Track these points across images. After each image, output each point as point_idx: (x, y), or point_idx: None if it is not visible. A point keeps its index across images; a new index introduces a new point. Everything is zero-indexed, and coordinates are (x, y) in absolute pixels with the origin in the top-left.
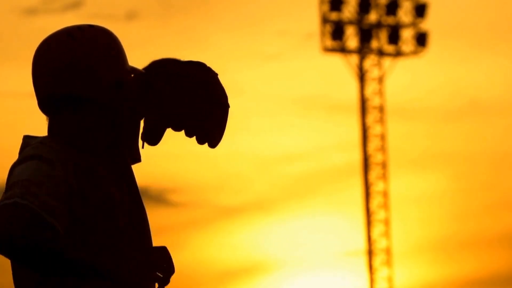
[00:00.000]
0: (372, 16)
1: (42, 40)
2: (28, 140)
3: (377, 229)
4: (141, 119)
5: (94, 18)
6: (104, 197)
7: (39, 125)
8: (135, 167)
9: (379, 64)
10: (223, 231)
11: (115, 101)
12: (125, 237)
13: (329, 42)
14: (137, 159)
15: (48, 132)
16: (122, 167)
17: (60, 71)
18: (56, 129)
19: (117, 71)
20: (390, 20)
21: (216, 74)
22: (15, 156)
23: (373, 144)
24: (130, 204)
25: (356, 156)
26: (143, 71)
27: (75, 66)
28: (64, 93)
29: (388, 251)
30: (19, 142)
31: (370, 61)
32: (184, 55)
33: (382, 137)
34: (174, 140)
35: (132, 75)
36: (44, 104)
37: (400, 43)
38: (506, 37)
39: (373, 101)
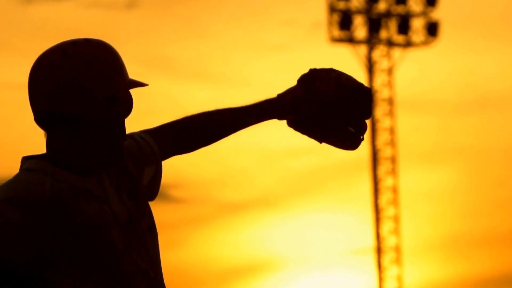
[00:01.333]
0: (381, 5)
1: (39, 55)
2: (21, 164)
3: (386, 226)
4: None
5: (93, 7)
6: (96, 218)
7: (32, 118)
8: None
9: (388, 55)
10: (226, 228)
11: (110, 116)
12: (121, 257)
13: (337, 32)
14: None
15: (46, 149)
16: (120, 178)
17: (54, 90)
18: (54, 146)
19: (113, 86)
20: (399, 9)
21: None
22: (9, 147)
23: (382, 138)
24: (131, 214)
25: (365, 150)
26: (145, 84)
27: (68, 84)
28: (59, 111)
29: (397, 249)
30: (15, 134)
31: (379, 52)
32: (185, 46)
33: (392, 130)
34: None
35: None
36: (40, 121)
37: (410, 33)
38: None
39: (382, 93)
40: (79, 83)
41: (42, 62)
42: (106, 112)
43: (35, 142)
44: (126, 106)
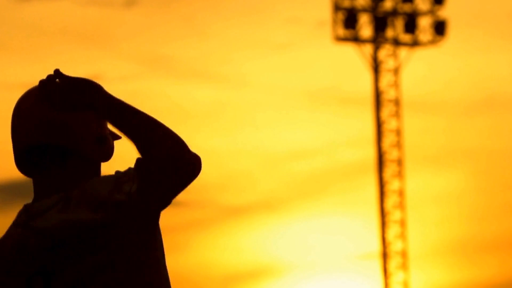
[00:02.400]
0: (387, 3)
1: (22, 95)
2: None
3: (392, 231)
4: None
5: (90, 5)
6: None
7: None
8: (133, 166)
9: (394, 55)
10: (227, 233)
11: (98, 154)
12: None
13: (342, 31)
14: None
15: (34, 194)
16: None
17: (42, 122)
18: (45, 186)
19: (98, 125)
20: (406, 7)
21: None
22: (4, 147)
23: (388, 140)
24: None
25: (370, 153)
26: (119, 137)
27: (55, 119)
28: (48, 143)
29: (404, 254)
30: (8, 132)
31: (385, 51)
32: (185, 45)
33: (398, 132)
34: None
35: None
36: (26, 160)
37: (417, 32)
38: None
39: (388, 93)
40: (63, 120)
41: (27, 99)
42: (94, 149)
43: None
44: (111, 149)
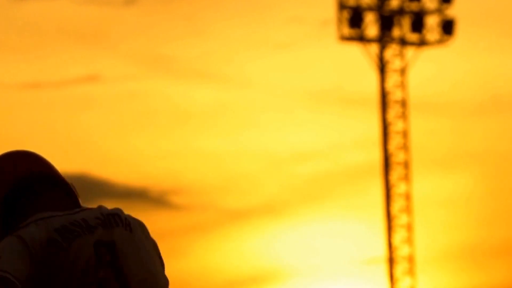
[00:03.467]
0: (394, 2)
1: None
2: None
3: (399, 235)
4: None
5: (89, 4)
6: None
7: (26, 117)
8: (131, 168)
9: (401, 54)
10: (229, 237)
11: None
12: None
13: (347, 30)
14: None
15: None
16: None
17: None
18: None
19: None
20: (413, 6)
21: None
22: (2, 144)
23: (394, 141)
24: None
25: (376, 155)
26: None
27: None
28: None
29: (410, 259)
30: (8, 132)
31: (391, 51)
32: (185, 44)
33: (404, 134)
34: (176, 137)
35: None
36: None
37: (424, 31)
38: None
39: (395, 94)
40: None
41: None
42: None
43: (29, 139)
44: None
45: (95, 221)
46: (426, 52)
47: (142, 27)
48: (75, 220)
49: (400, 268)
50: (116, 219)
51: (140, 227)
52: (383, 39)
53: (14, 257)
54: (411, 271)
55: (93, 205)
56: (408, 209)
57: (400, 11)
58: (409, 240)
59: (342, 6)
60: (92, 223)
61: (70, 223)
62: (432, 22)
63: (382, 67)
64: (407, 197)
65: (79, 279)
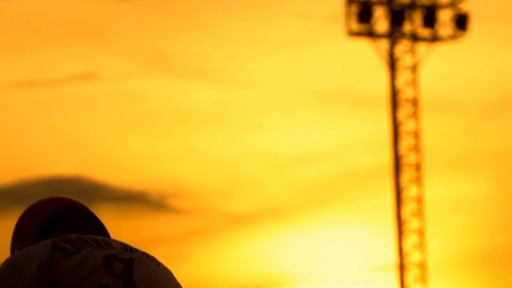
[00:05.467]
0: None
1: None
2: None
3: (410, 241)
4: None
5: None
6: None
7: (18, 117)
8: (129, 170)
9: (412, 51)
10: (231, 242)
11: None
12: None
13: (355, 25)
14: None
15: None
16: None
17: None
18: None
19: None
20: (425, 0)
21: None
22: None
23: (405, 142)
24: None
25: (386, 157)
26: None
27: None
28: None
29: (422, 266)
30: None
31: (402, 47)
32: (186, 41)
33: (416, 134)
34: (175, 138)
35: None
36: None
37: (436, 27)
38: None
39: (406, 93)
40: None
41: None
42: None
43: (21, 141)
44: None
45: (117, 243)
46: (439, 48)
47: (140, 22)
48: (94, 237)
49: (411, 275)
50: (142, 252)
51: (169, 271)
52: (394, 34)
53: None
54: (422, 279)
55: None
56: (419, 213)
57: (412, 5)
58: (421, 246)
59: (350, 0)
60: (113, 244)
61: (89, 237)
62: (445, 16)
63: (392, 64)
64: (419, 200)
65: (76, 284)
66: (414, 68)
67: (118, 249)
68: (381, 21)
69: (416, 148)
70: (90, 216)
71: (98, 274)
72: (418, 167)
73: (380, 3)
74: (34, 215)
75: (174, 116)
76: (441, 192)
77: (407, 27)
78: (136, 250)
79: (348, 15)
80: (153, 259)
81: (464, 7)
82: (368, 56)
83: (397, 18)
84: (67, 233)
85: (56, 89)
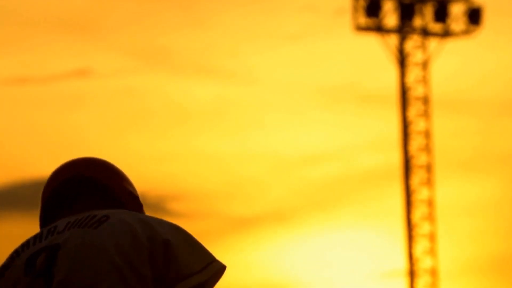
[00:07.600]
0: None
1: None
2: None
3: (421, 246)
4: None
5: None
6: None
7: (11, 115)
8: (126, 171)
9: (423, 46)
10: (234, 247)
11: None
12: None
13: (363, 20)
14: None
15: None
16: None
17: None
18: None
19: None
20: None
21: None
22: None
23: (415, 142)
24: None
25: (395, 158)
26: None
27: None
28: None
29: (433, 272)
30: None
31: (412, 43)
32: (185, 35)
33: (427, 134)
34: (175, 137)
35: None
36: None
37: (448, 21)
38: None
39: (416, 90)
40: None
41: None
42: None
43: (14, 139)
44: None
45: (63, 226)
46: (451, 44)
47: (137, 16)
48: (45, 229)
49: (422, 282)
50: (88, 220)
51: (126, 224)
52: (403, 29)
53: None
54: (434, 285)
55: None
56: (430, 217)
57: None
58: (432, 251)
59: None
60: (61, 229)
61: (39, 233)
62: (457, 10)
63: (402, 60)
64: (430, 203)
65: None
66: (424, 65)
67: (55, 235)
68: (390, 15)
69: (427, 148)
70: (98, 185)
71: (18, 279)
72: (429, 168)
73: None
74: (51, 181)
75: (173, 114)
76: (453, 194)
77: (417, 22)
78: (81, 220)
79: (355, 9)
80: (93, 223)
81: (477, 0)
82: (377, 52)
83: (407, 12)
84: (72, 204)
85: (50, 86)
